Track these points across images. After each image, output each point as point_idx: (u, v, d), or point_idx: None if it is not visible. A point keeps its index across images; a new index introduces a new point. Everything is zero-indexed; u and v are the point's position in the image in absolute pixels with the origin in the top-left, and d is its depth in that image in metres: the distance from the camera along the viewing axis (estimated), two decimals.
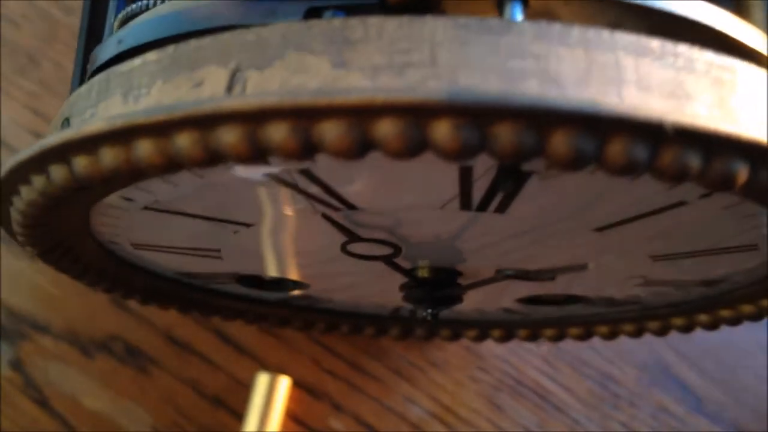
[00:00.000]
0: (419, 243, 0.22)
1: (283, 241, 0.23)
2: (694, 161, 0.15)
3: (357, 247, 0.21)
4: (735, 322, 0.28)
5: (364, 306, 0.33)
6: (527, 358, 0.42)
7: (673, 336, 0.44)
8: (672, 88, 0.15)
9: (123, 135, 0.16)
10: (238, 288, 0.29)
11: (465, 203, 0.19)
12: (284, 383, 0.39)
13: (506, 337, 0.34)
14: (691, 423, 0.42)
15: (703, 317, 0.29)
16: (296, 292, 0.30)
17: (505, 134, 0.14)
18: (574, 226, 0.20)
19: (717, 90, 0.16)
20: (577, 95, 0.14)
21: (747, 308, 0.27)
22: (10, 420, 0.39)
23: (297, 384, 0.40)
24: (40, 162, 0.18)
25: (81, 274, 0.26)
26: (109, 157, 0.16)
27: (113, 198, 0.21)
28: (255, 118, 0.15)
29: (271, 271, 0.26)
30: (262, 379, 0.38)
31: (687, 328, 0.30)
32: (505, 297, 0.29)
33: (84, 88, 0.19)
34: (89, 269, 0.26)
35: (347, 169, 0.18)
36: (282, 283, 0.29)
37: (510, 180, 0.16)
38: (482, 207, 0.19)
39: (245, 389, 0.39)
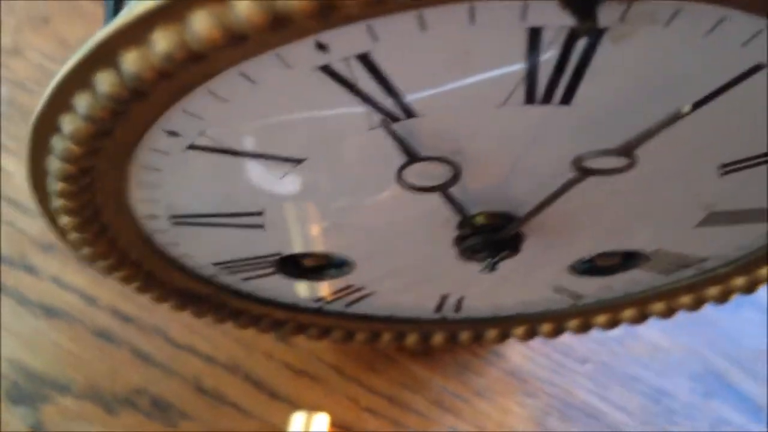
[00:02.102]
0: (480, 174, 0.21)
1: (332, 182, 0.21)
2: None
3: (414, 173, 0.20)
4: None
5: (406, 306, 0.31)
6: (573, 379, 0.41)
7: (722, 342, 0.42)
8: None
9: (178, 8, 0.15)
10: (276, 283, 0.28)
11: (529, 93, 0.18)
12: (322, 420, 0.36)
13: (557, 331, 0.33)
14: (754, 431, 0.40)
15: (765, 271, 0.28)
16: (338, 286, 0.29)
17: None
18: (645, 115, 0.19)
19: None
20: None
21: None
22: None
23: (336, 425, 0.38)
24: (85, 72, 0.17)
25: (117, 264, 0.25)
26: (162, 40, 0.16)
27: (157, 137, 0.20)
28: None
29: (315, 242, 0.25)
30: (298, 419, 0.36)
31: (749, 288, 0.28)
32: (559, 264, 0.27)
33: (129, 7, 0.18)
34: (125, 259, 0.25)
35: (408, 49, 0.17)
36: (323, 270, 0.27)
37: (588, 22, 0.15)
38: (547, 97, 0.18)
39: None
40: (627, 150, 0.18)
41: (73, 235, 0.23)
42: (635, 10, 0.16)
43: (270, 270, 0.27)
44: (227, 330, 0.40)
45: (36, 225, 0.42)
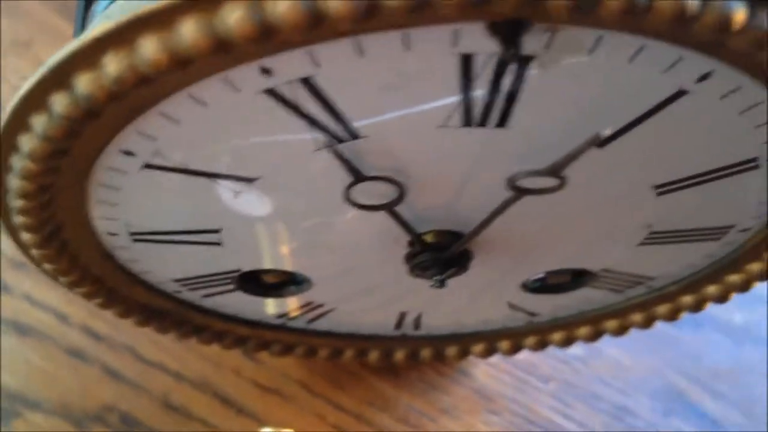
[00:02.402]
0: (424, 193, 0.22)
1: (285, 201, 0.22)
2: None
3: (361, 193, 0.21)
4: (744, 287, 0.28)
5: (367, 323, 0.32)
6: (537, 397, 0.41)
7: (682, 361, 0.43)
8: None
9: (127, 33, 0.16)
10: (238, 299, 0.29)
11: (466, 116, 0.19)
12: None
13: (515, 348, 0.33)
14: None
15: (712, 289, 0.29)
16: (298, 303, 0.29)
17: None
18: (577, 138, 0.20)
19: None
20: None
21: (755, 267, 0.27)
22: None
23: None
24: (42, 94, 0.18)
25: (79, 280, 0.26)
26: (112, 64, 0.17)
27: (113, 156, 0.20)
28: None
29: (272, 259, 0.26)
30: None
31: (697, 306, 0.29)
32: (510, 283, 0.28)
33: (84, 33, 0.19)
34: (87, 274, 0.26)
35: (348, 74, 0.18)
36: (283, 287, 0.28)
37: (513, 49, 0.16)
38: (483, 120, 0.19)
39: None
40: (555, 171, 0.19)
41: (35, 252, 0.24)
42: (559, 38, 0.17)
43: (231, 287, 0.28)
44: (196, 347, 0.40)
45: (7, 243, 0.42)
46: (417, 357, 0.34)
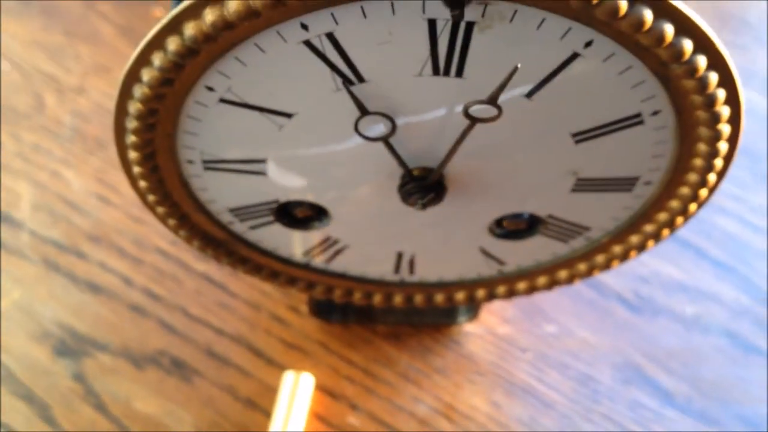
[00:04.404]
0: (411, 131, 0.32)
1: (313, 134, 0.32)
2: None
3: (365, 125, 0.31)
4: (657, 236, 0.37)
5: (372, 268, 0.42)
6: (516, 364, 0.50)
7: (641, 343, 0.52)
8: None
9: None
10: (275, 233, 0.38)
11: (435, 66, 0.29)
12: (308, 378, 0.46)
13: (489, 296, 0.42)
14: (664, 414, 0.49)
15: (634, 239, 0.38)
16: (320, 237, 0.39)
17: None
18: (513, 98, 0.30)
19: None
20: None
21: (662, 216, 0.36)
22: (72, 423, 0.47)
23: (319, 388, 0.48)
24: (161, 38, 0.28)
25: (162, 200, 0.35)
26: (210, 14, 0.27)
27: (200, 91, 0.31)
28: None
29: (303, 189, 0.35)
30: (288, 376, 0.46)
31: (624, 255, 0.38)
32: (478, 224, 0.37)
33: None
34: (169, 197, 0.36)
35: (356, 29, 0.28)
36: (310, 221, 0.38)
37: (458, 12, 0.26)
38: (447, 69, 0.29)
39: (274, 392, 0.47)
40: (492, 99, 0.29)
41: (136, 169, 0.34)
42: (490, 9, 0.27)
43: (270, 218, 0.38)
44: (236, 309, 0.51)
45: (87, 222, 0.54)
46: (412, 301, 0.43)
